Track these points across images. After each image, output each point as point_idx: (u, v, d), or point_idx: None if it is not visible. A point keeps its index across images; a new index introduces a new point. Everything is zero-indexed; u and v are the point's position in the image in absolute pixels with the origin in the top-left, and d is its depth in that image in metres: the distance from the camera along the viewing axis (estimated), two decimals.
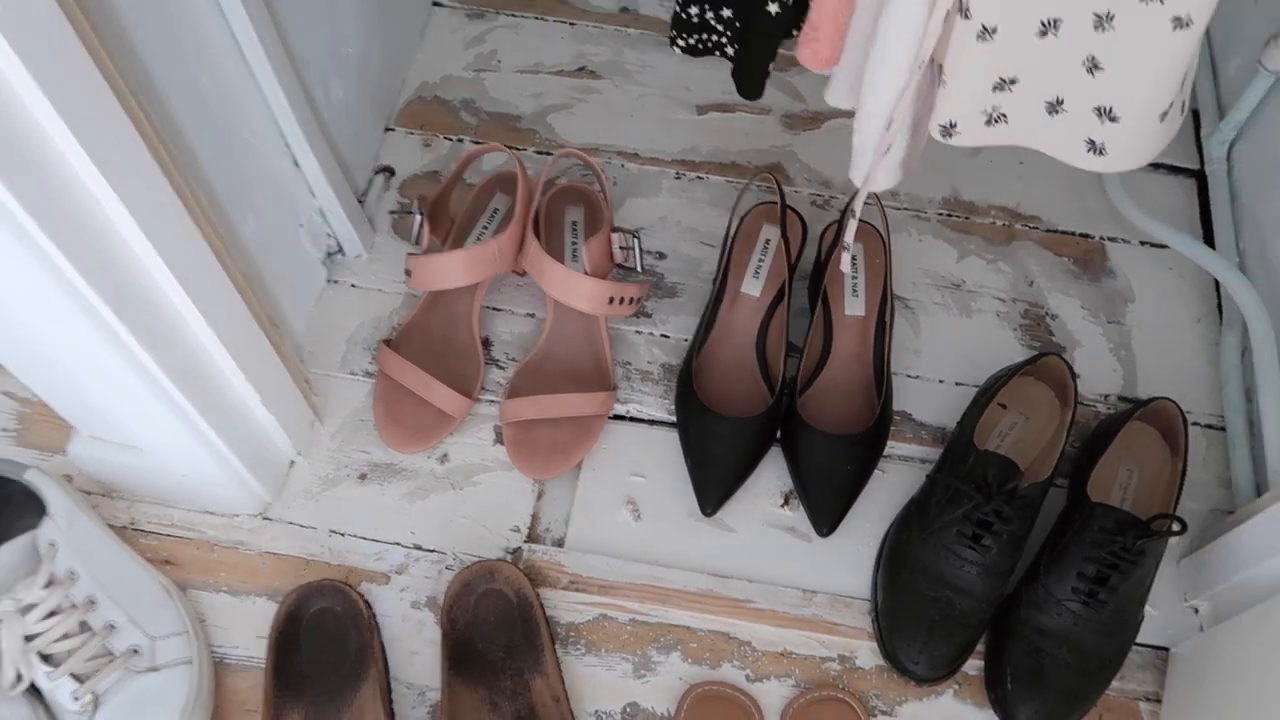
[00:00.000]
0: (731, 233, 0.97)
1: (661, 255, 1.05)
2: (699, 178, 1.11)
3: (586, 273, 0.89)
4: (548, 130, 1.13)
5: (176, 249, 0.67)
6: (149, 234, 0.63)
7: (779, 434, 0.92)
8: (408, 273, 0.92)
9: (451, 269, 0.88)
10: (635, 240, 0.91)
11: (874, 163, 0.73)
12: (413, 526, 0.90)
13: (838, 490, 0.88)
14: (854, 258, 0.96)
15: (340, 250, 1.03)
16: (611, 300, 0.89)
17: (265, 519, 0.89)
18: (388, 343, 0.94)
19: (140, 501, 0.90)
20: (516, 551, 0.89)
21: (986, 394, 0.90)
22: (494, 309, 1.01)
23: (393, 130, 1.13)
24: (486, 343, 0.99)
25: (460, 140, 1.13)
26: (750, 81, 0.80)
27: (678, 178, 1.11)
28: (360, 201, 1.06)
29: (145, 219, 0.63)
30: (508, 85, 1.16)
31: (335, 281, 1.03)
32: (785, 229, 0.92)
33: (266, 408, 0.82)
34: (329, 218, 0.99)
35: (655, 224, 1.07)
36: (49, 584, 0.75)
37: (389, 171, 1.10)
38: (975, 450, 0.84)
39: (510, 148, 1.10)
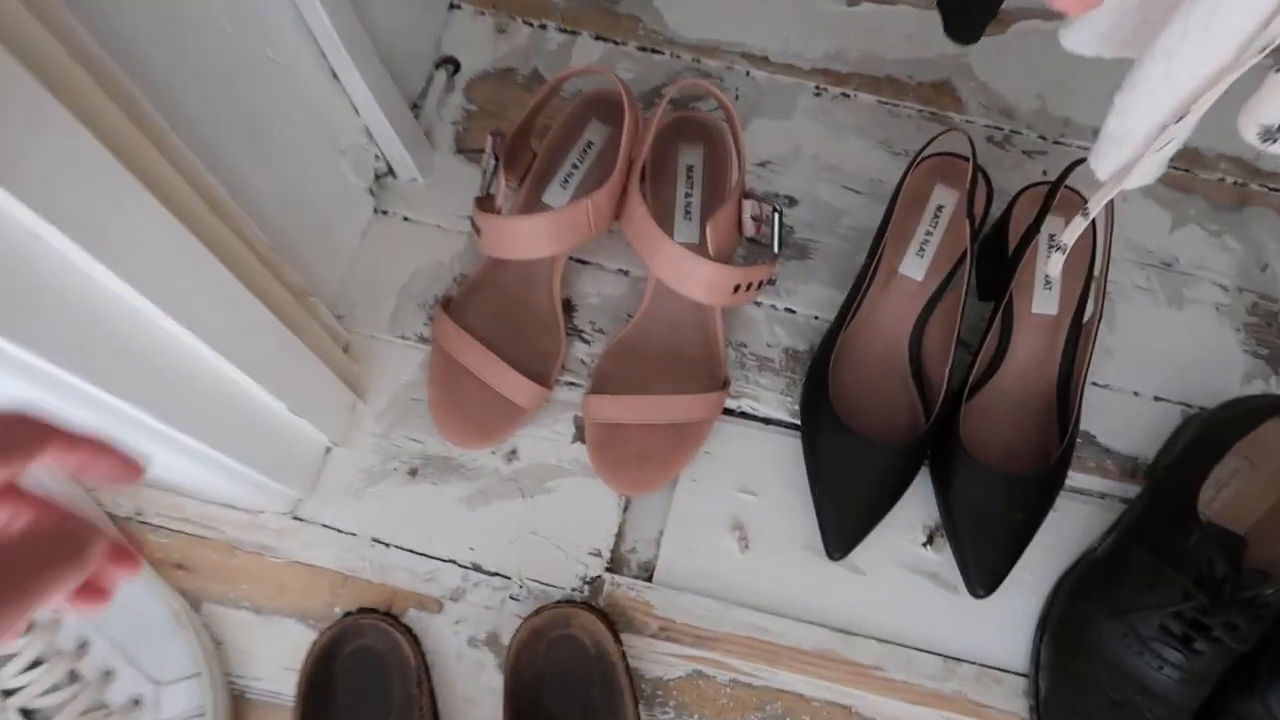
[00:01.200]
0: (893, 205, 0.74)
1: (791, 200, 0.83)
2: (844, 95, 0.87)
3: (708, 251, 0.68)
4: (653, 18, 0.89)
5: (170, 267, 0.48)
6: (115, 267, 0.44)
7: (929, 452, 0.74)
8: (475, 228, 0.72)
9: (532, 237, 0.68)
10: (776, 215, 0.69)
11: (1137, 157, 0.51)
12: (473, 540, 0.74)
13: (1000, 543, 0.70)
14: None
15: (391, 172, 0.83)
16: (737, 289, 0.68)
17: (296, 519, 0.74)
18: (447, 306, 0.76)
19: (149, 486, 0.75)
20: (595, 581, 0.73)
21: (1215, 437, 0.70)
22: (579, 261, 0.81)
23: (458, 8, 0.89)
24: (568, 306, 0.80)
25: (544, 27, 0.89)
26: (970, 23, 0.56)
27: (817, 93, 0.87)
28: (415, 109, 0.85)
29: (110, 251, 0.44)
30: None
31: (384, 212, 0.83)
32: (973, 198, 0.70)
33: (296, 413, 0.65)
34: (376, 137, 0.78)
35: (786, 157, 0.84)
36: (29, 628, 0.61)
37: (453, 65, 0.87)
38: (1196, 524, 0.65)
39: (603, 39, 0.87)
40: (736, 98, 0.86)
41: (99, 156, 0.43)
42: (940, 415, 0.71)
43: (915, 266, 0.74)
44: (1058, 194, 0.70)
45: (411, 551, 0.74)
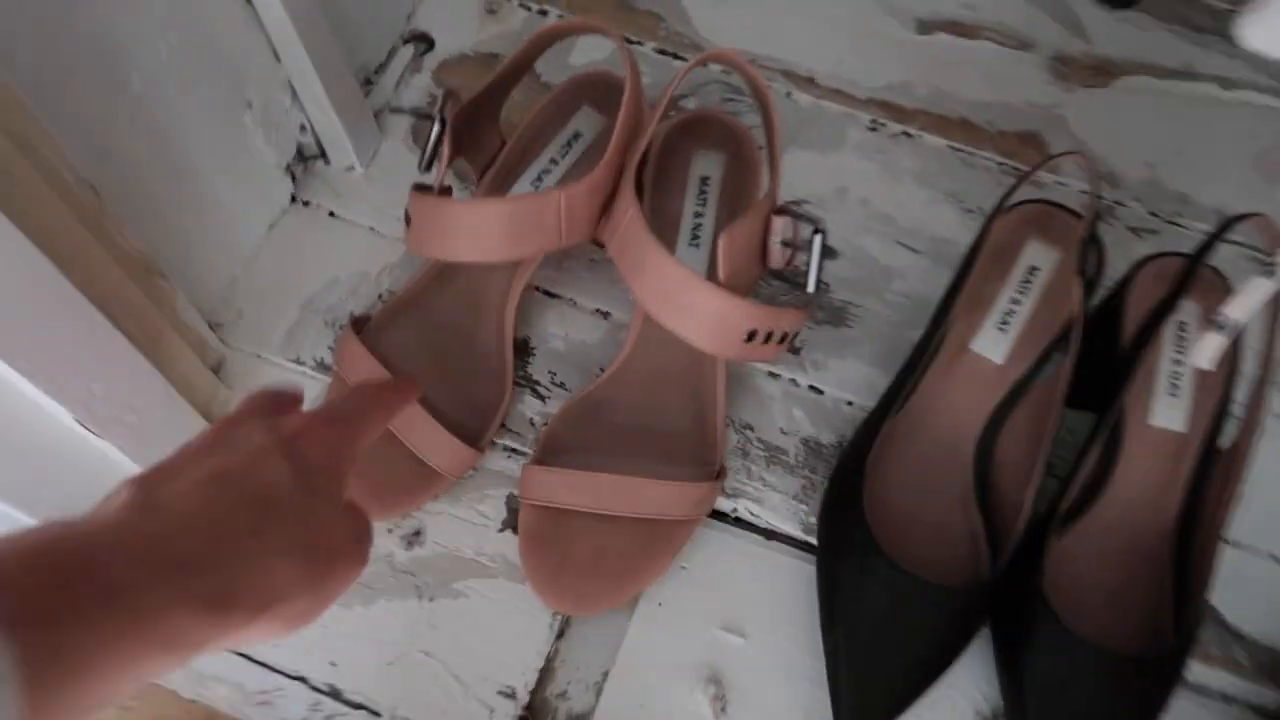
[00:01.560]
0: (974, 256, 0.55)
1: (830, 251, 0.64)
2: (907, 134, 0.69)
3: (718, 279, 0.48)
4: (679, 18, 0.72)
5: None
6: None
7: (991, 617, 0.52)
8: (407, 219, 0.53)
9: (478, 229, 0.49)
10: (817, 237, 0.50)
11: None
12: (337, 652, 0.52)
13: None
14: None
15: (322, 154, 0.64)
16: (752, 336, 0.48)
17: None
18: (359, 326, 0.56)
19: None
20: None
21: None
22: (546, 293, 0.62)
23: None
24: (523, 347, 0.60)
25: (544, 12, 0.72)
26: None
27: (873, 128, 0.69)
28: (368, 85, 0.67)
29: None
30: None
31: (305, 203, 0.64)
32: (1083, 263, 0.50)
33: (99, 434, 0.45)
34: (304, 100, 0.60)
35: (827, 197, 0.66)
36: None
37: (424, 42, 0.70)
38: None
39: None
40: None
41: None
42: (1014, 554, 0.51)
43: (994, 344, 0.54)
44: (1198, 268, 0.51)
45: (245, 657, 0.52)
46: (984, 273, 0.55)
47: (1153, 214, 0.67)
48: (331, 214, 0.64)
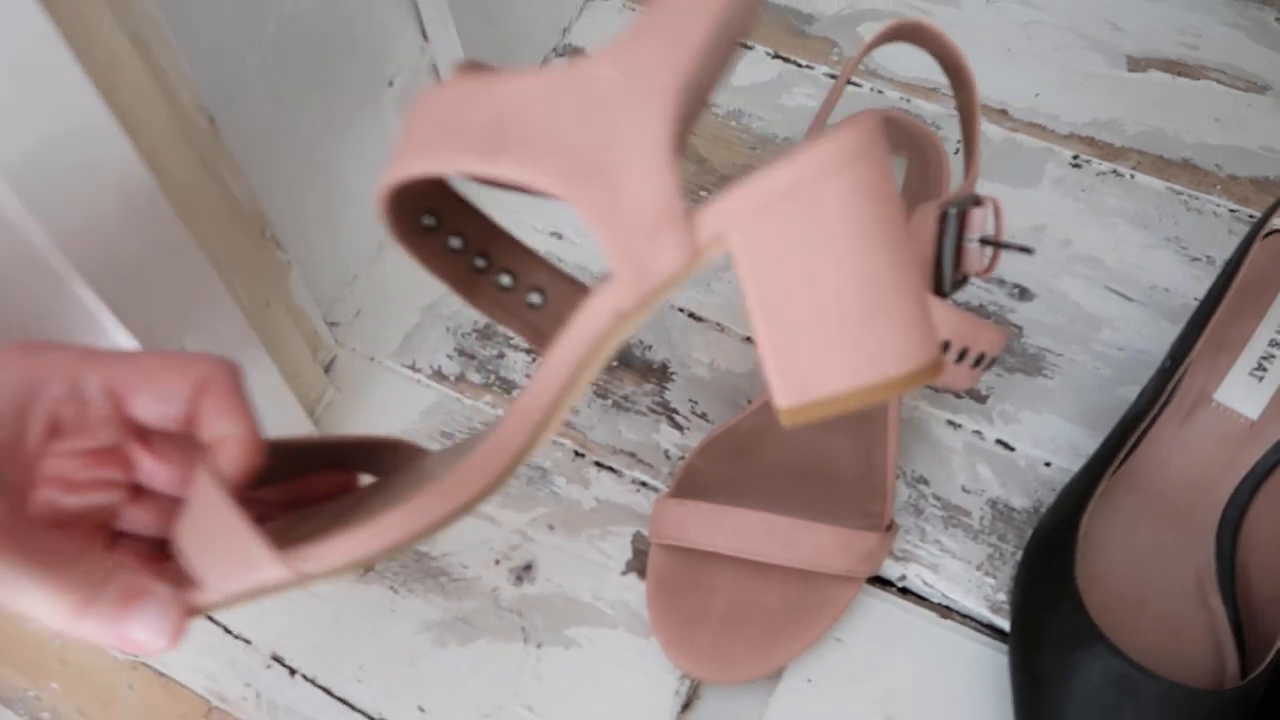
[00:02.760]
0: (1226, 284, 0.46)
1: (1024, 293, 0.55)
2: (1116, 173, 0.60)
3: None
4: (854, 45, 0.66)
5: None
6: None
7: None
8: None
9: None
10: (980, 207, 0.40)
11: None
12: (427, 696, 0.44)
13: None
14: None
15: None
16: (945, 349, 0.40)
17: None
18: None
19: None
20: None
21: None
22: (691, 315, 0.55)
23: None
24: (661, 371, 0.53)
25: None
26: None
27: (1076, 164, 0.60)
28: None
29: None
30: None
31: None
32: None
33: None
34: None
35: (1023, 236, 0.57)
36: None
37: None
38: None
39: (782, 58, 0.65)
40: (956, 151, 0.61)
41: None
42: (1270, 663, 0.39)
43: (1247, 395, 0.44)
44: None
45: (326, 692, 0.44)
46: (1234, 309, 0.46)
47: None
48: None
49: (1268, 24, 0.66)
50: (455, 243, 0.33)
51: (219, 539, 0.27)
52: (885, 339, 0.27)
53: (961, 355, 0.41)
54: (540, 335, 0.35)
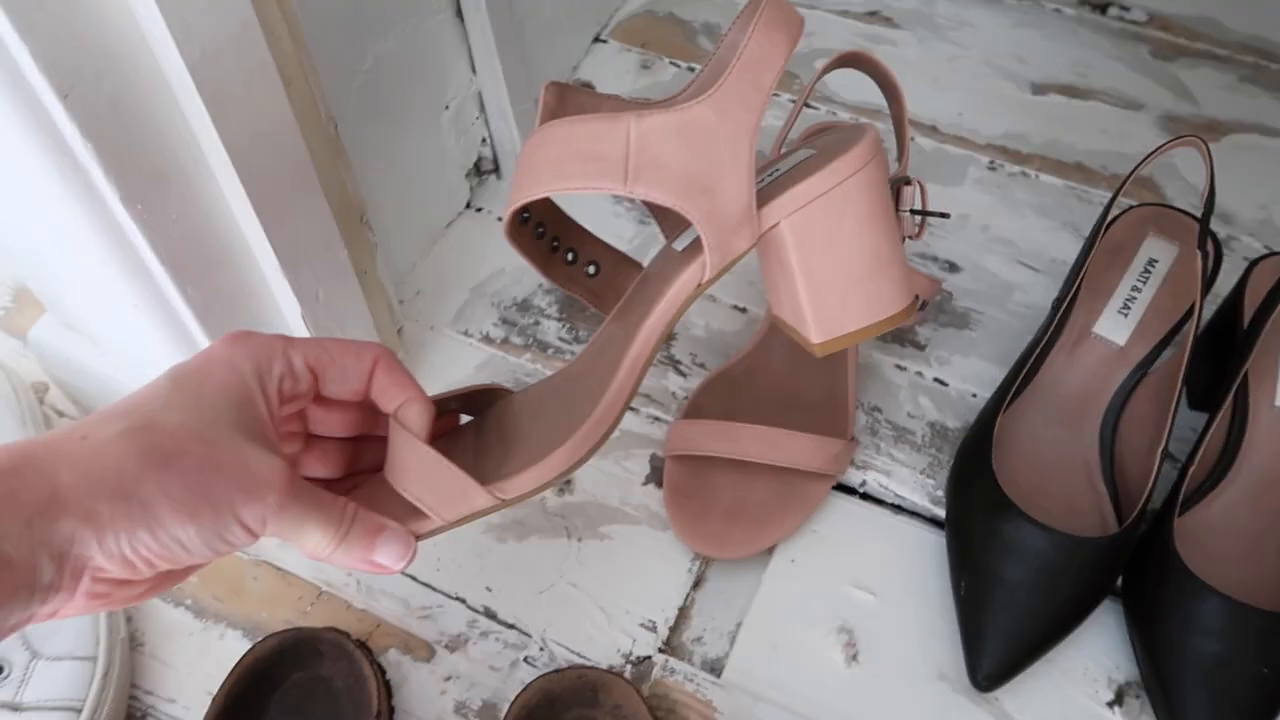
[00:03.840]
0: (1093, 243, 0.60)
1: (953, 266, 0.69)
2: (1024, 173, 0.74)
3: None
4: (811, 76, 0.80)
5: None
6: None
7: (1122, 581, 0.54)
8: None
9: (538, 154, 0.50)
10: (912, 186, 0.54)
11: None
12: (493, 579, 0.56)
13: (1242, 709, 0.48)
14: None
15: (496, 169, 0.73)
16: None
17: None
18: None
19: None
20: (643, 663, 0.53)
21: None
22: None
23: (604, 42, 0.83)
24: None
25: (691, 68, 0.82)
26: None
27: (992, 167, 0.75)
28: None
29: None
30: None
31: (479, 209, 0.72)
32: (1204, 249, 0.54)
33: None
34: (488, 109, 0.69)
35: (952, 224, 0.71)
36: None
37: (587, 89, 0.79)
38: None
39: None
40: (898, 159, 0.75)
41: None
42: (1137, 519, 0.52)
43: (1116, 327, 0.58)
44: None
45: (411, 577, 0.56)
46: (1104, 264, 0.60)
47: (1268, 249, 0.70)
48: (500, 219, 0.72)
49: (1142, 57, 0.81)
50: (540, 231, 0.46)
51: (435, 480, 0.36)
52: (884, 289, 0.42)
53: None
54: (596, 297, 0.48)
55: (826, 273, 0.42)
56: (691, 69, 0.81)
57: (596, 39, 0.83)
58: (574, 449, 0.38)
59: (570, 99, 0.42)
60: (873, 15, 0.85)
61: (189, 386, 0.32)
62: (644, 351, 0.41)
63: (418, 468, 0.36)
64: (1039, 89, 0.80)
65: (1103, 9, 0.85)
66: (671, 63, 0.82)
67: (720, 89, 0.38)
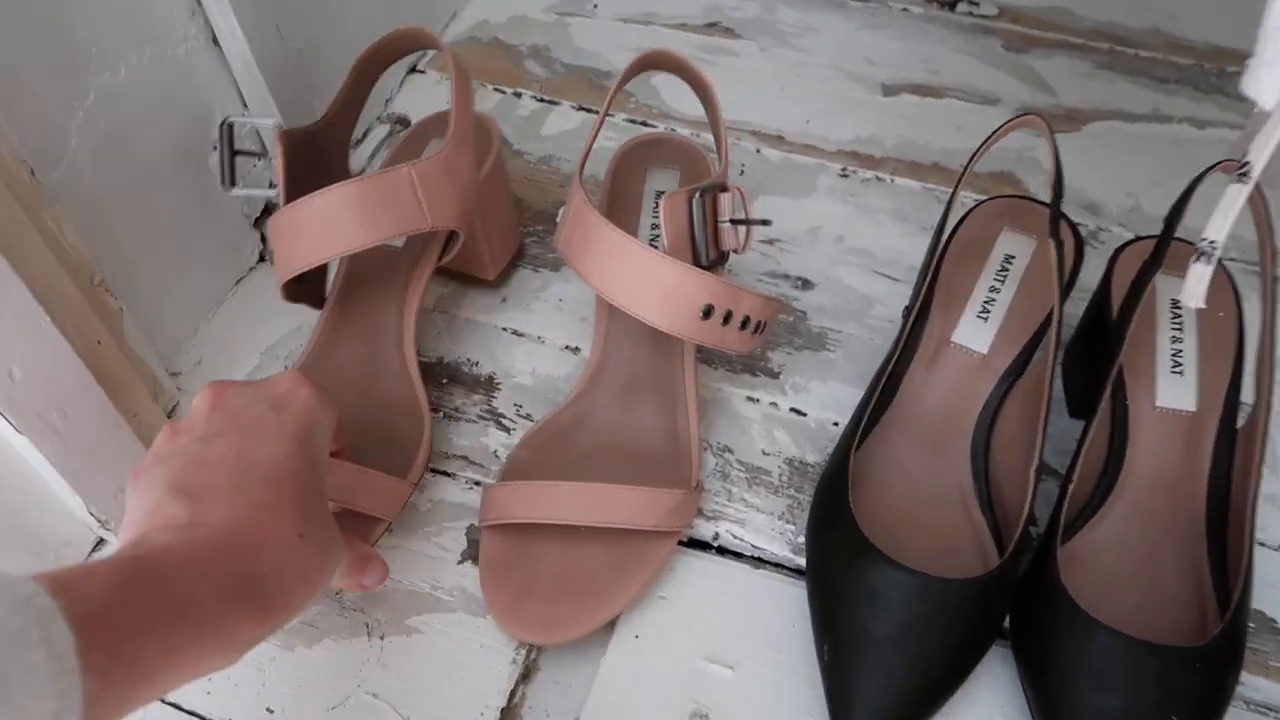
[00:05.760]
0: (941, 240, 0.53)
1: (806, 283, 0.63)
2: (878, 178, 0.69)
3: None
4: (649, 94, 0.74)
5: None
6: None
7: (1010, 622, 0.46)
8: (267, 249, 0.52)
9: (335, 215, 0.47)
10: (728, 194, 0.47)
11: None
12: (275, 698, 0.46)
13: None
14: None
15: None
16: (709, 312, 0.46)
17: None
18: None
19: None
20: None
21: None
22: (514, 332, 0.60)
23: (421, 73, 0.76)
24: (488, 382, 0.58)
25: (518, 95, 0.75)
26: None
27: (844, 174, 0.69)
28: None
29: None
30: (602, 35, 0.79)
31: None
32: (1057, 235, 0.48)
33: (46, 458, 0.43)
34: (271, 154, 0.60)
35: (800, 237, 0.65)
36: None
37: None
38: None
39: (585, 109, 0.72)
40: (742, 173, 0.69)
41: None
42: (1015, 550, 0.45)
43: (976, 334, 0.51)
44: (1172, 236, 0.49)
45: (175, 707, 0.46)
46: (957, 264, 0.53)
47: (1138, 237, 0.65)
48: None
49: (995, 50, 0.77)
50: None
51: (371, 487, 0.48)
52: None
53: (726, 318, 0.47)
54: None
55: None
56: (518, 95, 0.75)
57: (413, 69, 0.76)
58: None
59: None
60: (712, 26, 0.80)
61: None
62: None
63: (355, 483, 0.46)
64: (889, 90, 0.75)
65: (951, 5, 0.80)
66: (496, 89, 0.75)
67: None
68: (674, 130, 0.71)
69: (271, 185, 0.53)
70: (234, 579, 0.34)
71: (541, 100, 0.74)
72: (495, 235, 0.59)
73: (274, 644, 0.48)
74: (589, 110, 0.73)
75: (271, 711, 0.46)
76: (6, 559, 0.45)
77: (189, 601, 0.32)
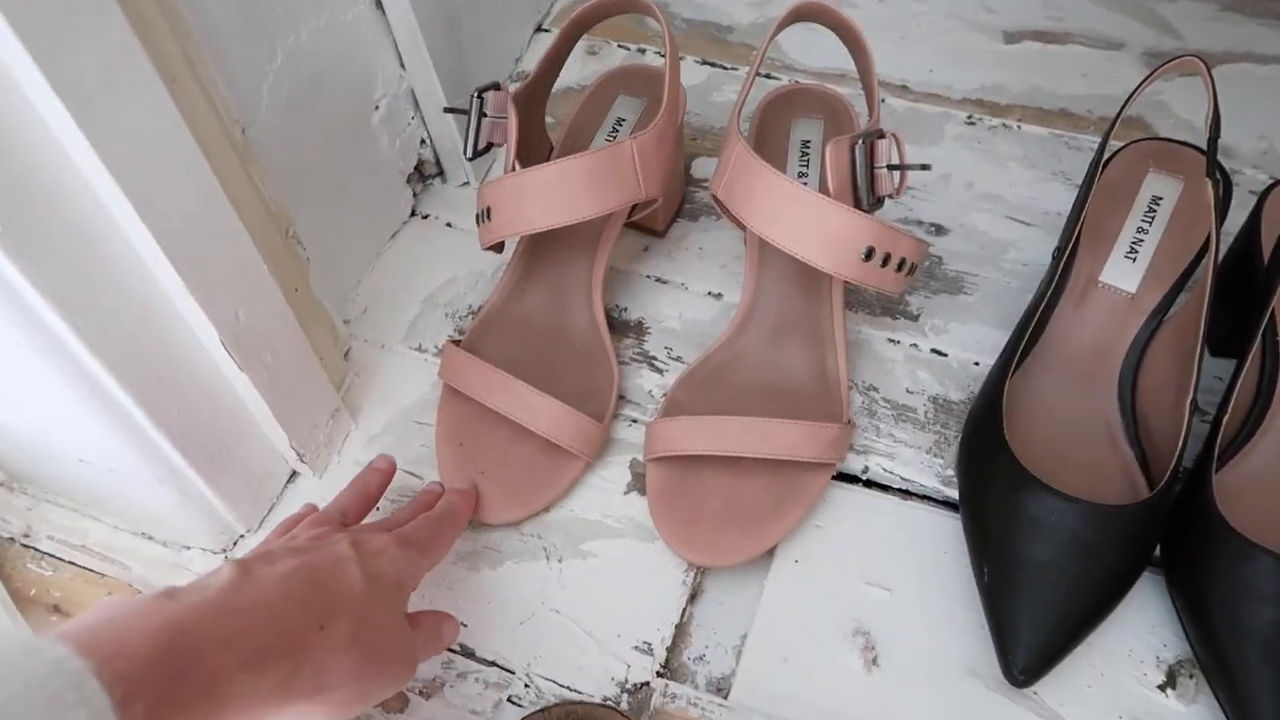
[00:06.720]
0: (1090, 186, 0.55)
1: (940, 229, 0.64)
2: (1005, 125, 0.70)
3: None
4: (772, 47, 0.76)
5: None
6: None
7: (1160, 550, 0.48)
8: (479, 219, 0.54)
9: (563, 188, 0.50)
10: (885, 140, 0.49)
11: None
12: (467, 613, 0.50)
13: None
14: None
15: (440, 172, 0.68)
16: (870, 254, 0.48)
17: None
18: (457, 345, 0.56)
19: (48, 501, 0.55)
20: (639, 690, 0.48)
21: None
22: (658, 280, 0.63)
23: (547, 31, 0.78)
24: (638, 327, 0.61)
25: (642, 50, 0.77)
26: None
27: (970, 122, 0.70)
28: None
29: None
30: None
31: (425, 216, 0.67)
32: (1215, 177, 0.49)
33: (260, 393, 0.46)
34: (424, 110, 0.64)
35: (933, 184, 0.66)
36: None
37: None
38: None
39: (709, 63, 0.74)
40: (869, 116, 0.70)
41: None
42: (1169, 482, 0.47)
43: (1124, 274, 0.53)
44: None
45: None
46: (1103, 208, 0.55)
47: (1274, 179, 0.65)
48: (449, 225, 0.67)
49: (1136, 2, 0.77)
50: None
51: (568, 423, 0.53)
52: None
53: (885, 260, 0.49)
54: None
55: None
56: (641, 51, 0.77)
57: (539, 29, 0.78)
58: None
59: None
60: None
61: None
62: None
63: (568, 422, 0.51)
64: (1012, 37, 0.75)
65: None
66: (620, 46, 0.77)
67: None
68: (797, 82, 0.73)
69: (485, 147, 0.55)
70: (253, 653, 0.35)
71: (663, 55, 0.76)
72: (670, 191, 0.62)
73: (461, 566, 0.52)
74: (712, 65, 0.75)
75: (465, 626, 0.50)
76: (227, 487, 0.49)
77: (215, 675, 0.33)
